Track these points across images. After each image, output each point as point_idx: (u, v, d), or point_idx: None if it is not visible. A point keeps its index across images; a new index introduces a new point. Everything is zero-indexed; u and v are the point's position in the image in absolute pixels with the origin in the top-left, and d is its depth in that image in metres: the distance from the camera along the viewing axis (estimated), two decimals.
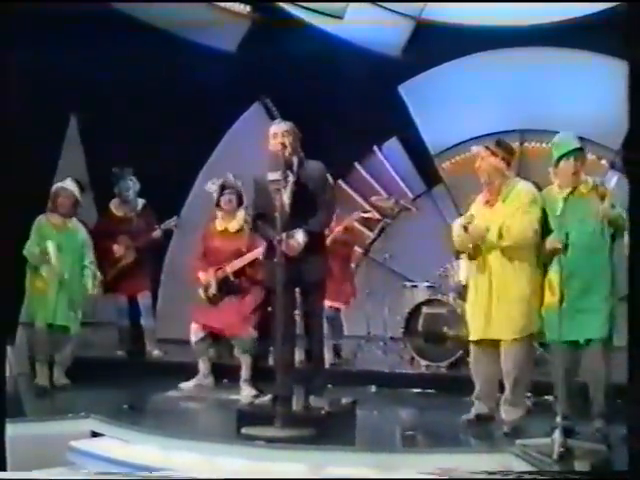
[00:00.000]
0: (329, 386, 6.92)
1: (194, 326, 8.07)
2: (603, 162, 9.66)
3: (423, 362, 8.53)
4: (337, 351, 8.84)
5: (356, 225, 9.44)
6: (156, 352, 9.23)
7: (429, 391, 8.08)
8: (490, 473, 5.35)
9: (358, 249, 9.68)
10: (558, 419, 5.56)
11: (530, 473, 5.31)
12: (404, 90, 10.53)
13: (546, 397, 6.88)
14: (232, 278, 8.01)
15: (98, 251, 8.67)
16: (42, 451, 6.22)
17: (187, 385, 8.09)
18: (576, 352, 6.14)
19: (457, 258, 8.51)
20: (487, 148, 6.52)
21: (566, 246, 5.91)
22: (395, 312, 8.88)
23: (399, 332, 8.72)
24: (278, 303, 6.21)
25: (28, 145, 8.70)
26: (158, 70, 10.05)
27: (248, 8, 10.71)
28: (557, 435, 5.45)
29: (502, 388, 6.51)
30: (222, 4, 10.67)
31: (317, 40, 10.36)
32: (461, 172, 9.93)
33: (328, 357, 7.86)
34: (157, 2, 10.23)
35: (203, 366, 8.13)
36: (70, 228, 8.37)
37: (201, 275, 8.10)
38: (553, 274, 6.10)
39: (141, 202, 9.32)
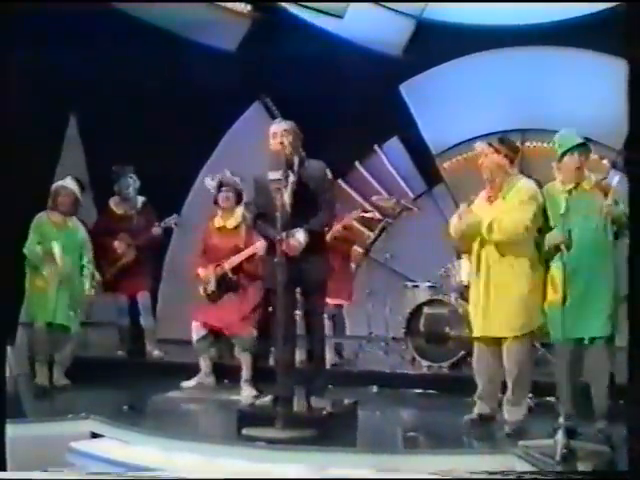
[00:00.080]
0: (330, 386, 6.90)
1: (195, 324, 8.07)
2: (604, 162, 9.63)
3: (424, 362, 8.50)
4: (338, 351, 8.82)
5: (355, 224, 9.41)
6: (156, 352, 9.20)
7: (431, 392, 8.05)
8: (490, 473, 5.33)
9: (359, 249, 9.66)
10: (561, 420, 5.54)
11: (531, 473, 5.29)
12: (405, 89, 10.50)
13: (548, 398, 6.86)
14: (230, 275, 8.01)
15: (98, 249, 8.66)
16: (41, 452, 6.19)
17: (189, 384, 8.07)
18: (579, 351, 6.12)
19: (458, 258, 8.51)
20: (490, 145, 6.52)
21: (569, 242, 5.90)
22: (396, 312, 8.85)
23: (400, 332, 8.69)
24: (279, 303, 6.20)
25: (28, 145, 8.67)
26: (158, 69, 10.05)
27: (248, 7, 10.70)
28: (560, 436, 5.43)
29: (505, 388, 6.49)
30: (222, 3, 10.65)
31: (318, 39, 10.34)
32: (462, 172, 9.91)
33: (329, 357, 7.85)
34: (157, 1, 10.21)
35: (204, 365, 8.12)
36: (70, 227, 8.34)
37: (201, 272, 8.10)
38: (556, 271, 6.08)
39: (141, 200, 9.29)
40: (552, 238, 6.12)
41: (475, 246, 6.48)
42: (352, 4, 10.48)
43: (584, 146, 6.24)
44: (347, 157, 10.44)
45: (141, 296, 9.22)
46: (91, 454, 6.16)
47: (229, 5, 10.67)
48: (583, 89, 9.83)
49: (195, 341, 8.09)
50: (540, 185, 6.49)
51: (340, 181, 10.19)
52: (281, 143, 6.42)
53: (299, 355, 6.76)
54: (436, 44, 10.16)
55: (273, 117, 9.65)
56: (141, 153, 9.58)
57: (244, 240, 8.02)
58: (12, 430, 5.86)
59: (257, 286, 7.91)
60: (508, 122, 9.84)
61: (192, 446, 6.02)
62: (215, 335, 8.11)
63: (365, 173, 10.68)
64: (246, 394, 7.76)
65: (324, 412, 6.28)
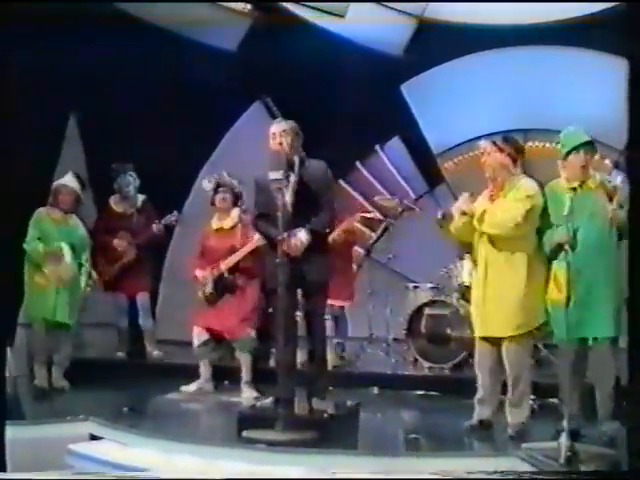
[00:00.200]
0: (331, 388, 6.86)
1: (196, 329, 8.03)
2: (607, 162, 9.60)
3: (426, 364, 8.48)
4: (341, 353, 8.79)
5: (357, 225, 9.37)
6: (156, 353, 9.17)
7: (432, 393, 8.02)
8: (489, 473, 5.29)
9: (360, 250, 9.63)
10: (564, 422, 5.50)
11: (531, 474, 5.26)
12: (406, 89, 10.48)
13: (551, 400, 6.82)
14: (227, 275, 7.97)
15: (98, 248, 8.63)
16: (41, 454, 6.16)
17: (188, 389, 8.03)
18: (583, 351, 6.09)
19: (460, 259, 8.48)
20: (494, 144, 6.49)
21: (574, 242, 5.87)
22: (398, 313, 8.82)
23: (402, 333, 8.67)
24: (280, 304, 6.16)
25: (28, 144, 8.64)
26: (159, 69, 10.01)
27: (249, 7, 10.66)
28: (564, 439, 5.39)
29: (506, 389, 6.46)
30: (223, 3, 10.62)
31: (319, 39, 10.31)
32: (464, 172, 9.88)
33: (331, 359, 7.81)
34: (158, 1, 10.18)
35: (204, 370, 8.08)
36: (70, 224, 8.31)
37: (198, 273, 8.08)
38: (560, 270, 6.04)
39: (141, 198, 9.27)
40: (557, 236, 6.08)
41: (474, 242, 6.46)
42: (353, 4, 10.44)
43: (590, 144, 6.22)
44: (348, 157, 10.43)
45: (140, 297, 9.19)
46: (90, 456, 6.12)
47: (229, 5, 10.64)
48: (585, 89, 9.81)
49: (196, 346, 8.06)
50: (542, 185, 6.46)
51: (341, 181, 10.17)
52: (280, 144, 6.40)
53: (300, 356, 6.72)
54: (437, 44, 10.15)
55: (274, 117, 9.62)
56: (141, 153, 9.55)
57: (240, 240, 8.00)
58: (10, 432, 5.83)
59: (255, 285, 7.89)
60: (509, 122, 9.81)
61: (192, 448, 5.98)
62: (216, 340, 8.08)
63: (366, 173, 10.66)
64: (247, 396, 7.73)
65: (325, 414, 6.24)
